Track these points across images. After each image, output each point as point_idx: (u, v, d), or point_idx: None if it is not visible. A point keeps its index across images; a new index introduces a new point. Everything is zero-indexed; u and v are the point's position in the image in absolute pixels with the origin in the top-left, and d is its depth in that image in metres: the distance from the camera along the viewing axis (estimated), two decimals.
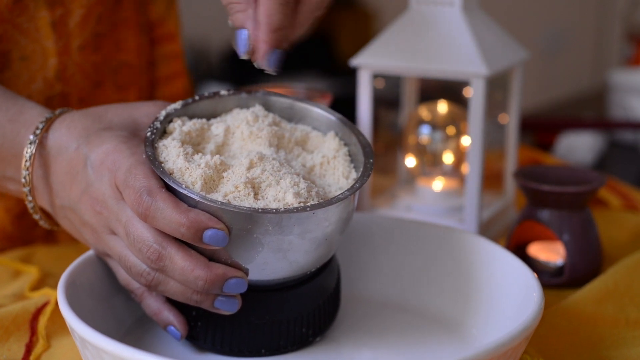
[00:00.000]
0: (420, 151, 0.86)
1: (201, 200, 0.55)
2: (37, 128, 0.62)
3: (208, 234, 0.55)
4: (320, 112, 0.65)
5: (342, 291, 0.70)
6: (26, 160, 0.62)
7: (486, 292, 0.66)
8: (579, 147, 1.20)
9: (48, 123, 0.62)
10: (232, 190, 0.56)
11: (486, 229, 0.82)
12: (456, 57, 0.77)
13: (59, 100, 0.76)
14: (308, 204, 0.56)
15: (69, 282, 0.59)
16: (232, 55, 2.76)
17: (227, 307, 0.58)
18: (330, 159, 0.62)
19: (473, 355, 0.51)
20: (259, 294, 0.59)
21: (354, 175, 0.61)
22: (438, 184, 0.86)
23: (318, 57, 2.95)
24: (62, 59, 0.76)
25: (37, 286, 0.70)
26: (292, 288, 0.60)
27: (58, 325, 0.63)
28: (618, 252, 0.80)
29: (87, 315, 0.56)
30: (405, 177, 0.90)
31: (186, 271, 0.56)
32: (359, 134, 0.63)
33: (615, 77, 1.38)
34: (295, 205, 0.56)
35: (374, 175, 0.88)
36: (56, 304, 0.64)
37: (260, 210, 0.55)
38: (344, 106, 1.03)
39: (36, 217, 0.65)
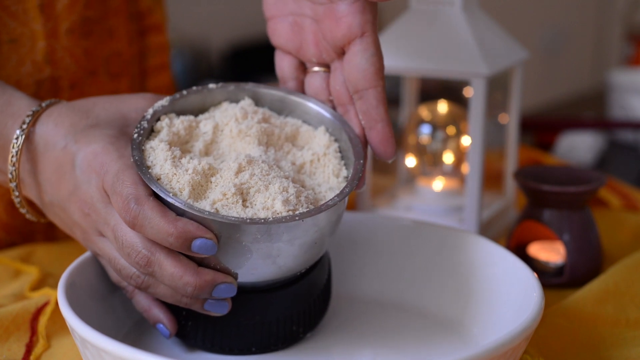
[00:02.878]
0: (421, 151, 0.86)
1: (188, 210, 0.55)
2: (24, 122, 0.62)
3: (197, 243, 0.55)
4: (311, 106, 0.64)
5: (342, 291, 0.70)
6: (12, 156, 0.62)
7: (486, 292, 0.66)
8: (579, 147, 1.20)
9: (35, 116, 0.62)
10: (220, 198, 0.56)
11: (486, 229, 0.82)
12: (456, 57, 0.77)
13: (48, 84, 0.76)
14: (297, 211, 0.56)
15: (69, 282, 0.59)
16: (232, 55, 2.76)
17: (216, 310, 0.58)
18: (321, 156, 0.61)
19: (473, 355, 0.51)
20: (248, 295, 0.59)
21: (344, 173, 0.61)
22: (438, 183, 0.86)
23: None
24: (50, 42, 0.75)
25: (37, 286, 0.70)
26: (281, 288, 0.60)
27: (58, 325, 0.63)
28: (618, 252, 0.80)
29: (87, 315, 0.56)
30: (405, 177, 0.90)
31: (175, 277, 0.56)
32: (350, 131, 0.62)
33: (615, 77, 1.38)
34: (284, 213, 0.56)
35: (374, 175, 0.88)
36: (56, 303, 0.64)
37: (248, 220, 0.55)
38: None
39: (23, 211, 0.65)
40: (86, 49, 0.78)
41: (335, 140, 0.63)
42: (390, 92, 0.94)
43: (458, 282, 0.68)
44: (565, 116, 1.40)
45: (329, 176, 0.61)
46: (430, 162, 0.86)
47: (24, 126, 0.61)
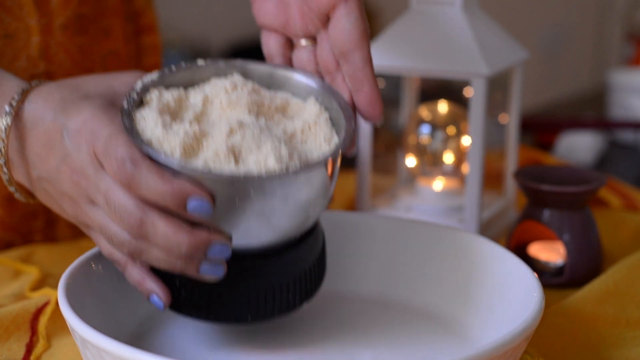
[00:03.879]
0: (421, 151, 0.86)
1: (180, 169, 0.54)
2: (13, 99, 0.61)
3: (192, 203, 0.54)
4: (300, 79, 0.64)
5: (342, 291, 0.70)
6: (1, 132, 0.61)
7: (486, 292, 0.66)
8: (579, 147, 1.20)
9: (24, 94, 0.61)
10: (212, 158, 0.55)
11: (486, 229, 0.82)
12: (456, 57, 0.77)
13: (43, 79, 0.76)
14: (290, 168, 0.56)
15: (69, 282, 0.59)
16: (232, 55, 2.77)
17: (212, 273, 0.57)
18: (312, 125, 0.61)
19: (473, 355, 0.51)
20: (243, 262, 0.59)
21: (335, 140, 0.60)
22: (438, 183, 0.86)
23: None
24: (45, 37, 0.76)
25: (37, 286, 0.70)
26: (276, 255, 0.60)
27: (58, 325, 0.64)
28: (618, 252, 0.80)
29: (87, 315, 0.56)
30: (405, 177, 0.90)
31: (169, 237, 0.55)
32: (340, 98, 0.62)
33: (615, 77, 1.38)
34: (277, 170, 0.55)
35: (374, 175, 0.88)
36: (56, 303, 0.64)
37: (242, 175, 0.54)
38: None
39: (11, 189, 0.63)
40: (81, 47, 0.79)
41: (326, 109, 0.62)
42: (390, 92, 0.95)
43: (458, 282, 0.68)
44: (565, 116, 1.40)
45: (321, 143, 0.60)
46: (431, 162, 0.86)
47: (13, 102, 0.60)
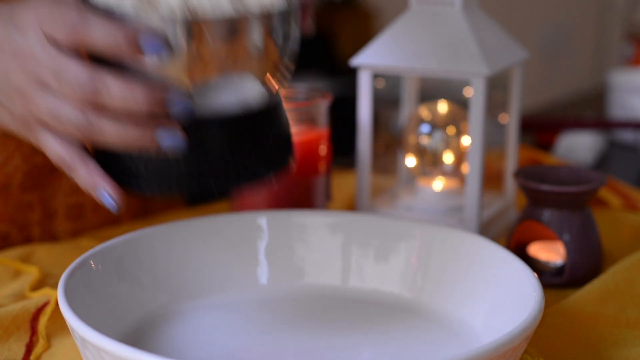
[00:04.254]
0: (421, 151, 0.86)
1: (134, 17, 0.54)
2: None
3: (146, 43, 0.53)
4: None
5: (341, 291, 0.70)
6: None
7: (486, 292, 0.66)
8: (579, 147, 1.20)
9: None
10: (166, 13, 0.55)
11: (486, 229, 0.82)
12: (456, 57, 0.77)
13: None
14: (246, 11, 0.55)
15: (69, 282, 0.59)
16: None
17: (171, 141, 0.56)
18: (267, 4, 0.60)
19: (473, 355, 0.51)
20: (203, 129, 0.58)
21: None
22: (438, 183, 0.86)
23: (318, 57, 2.95)
24: None
25: (37, 286, 0.70)
26: (236, 121, 0.59)
27: (58, 325, 0.64)
28: (618, 252, 0.80)
29: (87, 315, 0.56)
30: (405, 177, 0.90)
31: (126, 94, 0.54)
32: None
33: (615, 77, 1.38)
34: (232, 11, 0.55)
35: (374, 175, 0.88)
36: (56, 303, 0.64)
37: (197, 18, 0.54)
38: (344, 106, 1.03)
39: None
40: None
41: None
42: (390, 92, 0.95)
43: (458, 282, 0.68)
44: (565, 116, 1.40)
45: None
46: (430, 162, 0.86)
47: None
